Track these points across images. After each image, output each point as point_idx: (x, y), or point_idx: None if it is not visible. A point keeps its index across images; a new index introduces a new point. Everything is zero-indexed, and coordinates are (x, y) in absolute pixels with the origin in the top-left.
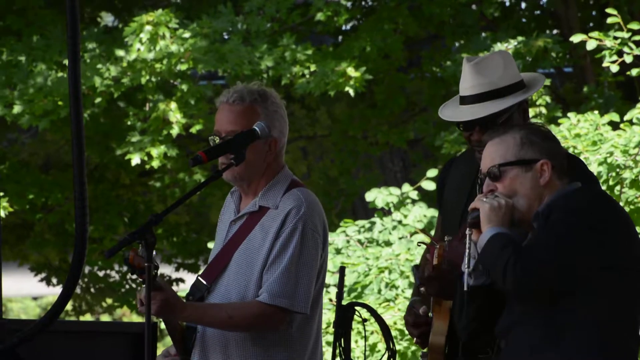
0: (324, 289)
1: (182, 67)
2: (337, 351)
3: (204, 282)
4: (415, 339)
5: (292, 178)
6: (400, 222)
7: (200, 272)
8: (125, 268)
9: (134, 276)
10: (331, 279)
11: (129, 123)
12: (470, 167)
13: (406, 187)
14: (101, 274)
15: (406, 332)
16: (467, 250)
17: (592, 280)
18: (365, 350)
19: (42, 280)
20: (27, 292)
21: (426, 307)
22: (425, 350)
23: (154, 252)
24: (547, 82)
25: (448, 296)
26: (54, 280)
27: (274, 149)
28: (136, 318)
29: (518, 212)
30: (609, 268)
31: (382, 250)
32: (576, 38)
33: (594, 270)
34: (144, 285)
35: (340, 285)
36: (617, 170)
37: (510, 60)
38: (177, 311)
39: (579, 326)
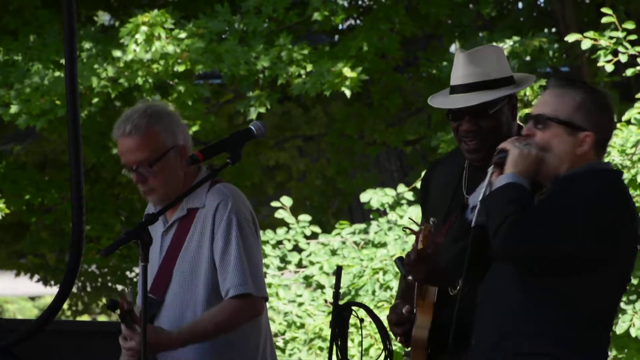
0: (320, 291)
1: (180, 68)
2: (334, 351)
3: (155, 297)
4: (398, 337)
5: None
6: (395, 222)
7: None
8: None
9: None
10: (327, 280)
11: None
12: (455, 167)
13: (401, 188)
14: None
15: None
16: (484, 187)
17: (582, 263)
18: (361, 350)
19: (39, 280)
20: (23, 292)
21: (409, 306)
22: (408, 349)
23: (128, 290)
24: (543, 82)
25: (434, 282)
26: (52, 281)
27: (185, 155)
28: None
29: (545, 168)
30: (602, 256)
31: (376, 251)
32: (571, 38)
33: (585, 256)
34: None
35: (337, 285)
36: None
37: (502, 55)
38: (164, 346)
39: (556, 303)
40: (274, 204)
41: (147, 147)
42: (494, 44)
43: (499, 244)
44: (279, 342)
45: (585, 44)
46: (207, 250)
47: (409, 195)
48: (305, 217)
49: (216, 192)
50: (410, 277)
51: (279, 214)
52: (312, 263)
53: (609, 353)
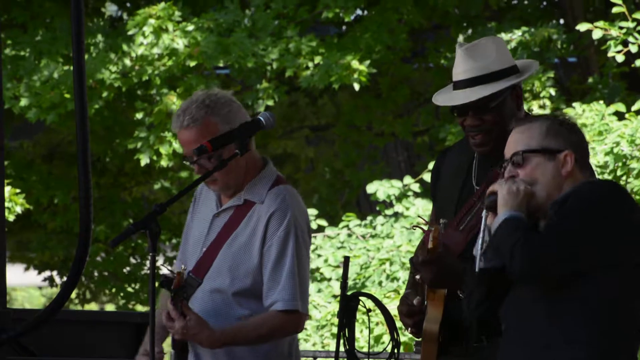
0: (326, 282)
1: (192, 63)
2: (342, 341)
3: (196, 277)
4: (409, 328)
5: (277, 174)
6: (402, 214)
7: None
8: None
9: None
10: (333, 273)
11: (138, 117)
12: (464, 156)
13: (408, 180)
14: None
15: None
16: (480, 233)
17: (595, 271)
18: (369, 340)
19: (45, 280)
20: (31, 282)
21: (420, 297)
22: (419, 339)
23: (189, 273)
24: (551, 73)
25: (443, 283)
26: (58, 280)
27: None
28: (140, 307)
29: (537, 200)
30: (613, 261)
31: (383, 242)
32: (582, 27)
33: (596, 262)
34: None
35: (345, 275)
36: (624, 160)
37: (502, 46)
38: (202, 341)
39: (579, 315)
40: None
41: (205, 139)
42: (504, 35)
43: (518, 268)
44: None
45: (596, 34)
46: (257, 251)
47: (416, 187)
48: (311, 211)
49: (277, 195)
50: (418, 277)
51: None
52: (319, 256)
53: None
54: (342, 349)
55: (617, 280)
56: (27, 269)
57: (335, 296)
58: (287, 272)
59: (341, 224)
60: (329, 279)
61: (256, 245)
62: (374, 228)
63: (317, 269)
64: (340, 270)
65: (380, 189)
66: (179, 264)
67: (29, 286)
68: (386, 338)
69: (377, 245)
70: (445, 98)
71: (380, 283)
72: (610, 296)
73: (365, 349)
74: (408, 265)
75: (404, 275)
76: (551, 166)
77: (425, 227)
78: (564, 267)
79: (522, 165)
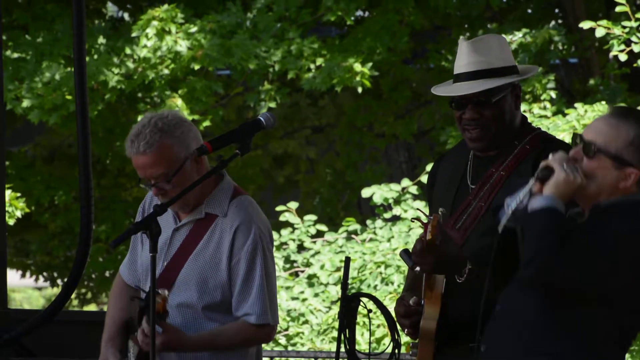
0: (323, 286)
1: (196, 66)
2: (342, 342)
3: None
4: (405, 330)
5: (234, 185)
6: (399, 217)
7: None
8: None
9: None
10: (330, 277)
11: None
12: (460, 160)
13: (406, 182)
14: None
15: None
16: (522, 190)
17: (609, 298)
18: (370, 342)
19: (46, 280)
20: (30, 283)
21: (417, 297)
22: (415, 341)
23: (167, 292)
24: (552, 76)
25: (441, 271)
26: (58, 280)
27: (202, 162)
28: None
29: (584, 192)
30: (628, 302)
31: (379, 245)
32: (585, 24)
33: (612, 300)
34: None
35: (346, 275)
36: None
37: (505, 45)
38: (178, 348)
39: (575, 328)
40: (279, 208)
41: (162, 163)
42: (503, 35)
43: (532, 275)
44: (281, 340)
45: (599, 32)
46: (225, 265)
47: (414, 190)
48: (310, 217)
49: (239, 208)
50: (417, 269)
51: (284, 217)
52: (318, 261)
53: None
54: (342, 349)
55: (618, 309)
56: (23, 275)
57: (333, 301)
58: (256, 286)
59: (341, 229)
60: (326, 284)
61: (223, 259)
62: (375, 233)
63: (314, 274)
64: (337, 275)
65: (377, 192)
66: (129, 277)
67: (27, 287)
68: (387, 340)
69: (373, 249)
70: (446, 89)
71: (375, 287)
72: (607, 320)
73: (365, 352)
74: (403, 268)
75: (398, 279)
76: (615, 174)
77: (425, 219)
78: (575, 294)
79: (591, 157)
